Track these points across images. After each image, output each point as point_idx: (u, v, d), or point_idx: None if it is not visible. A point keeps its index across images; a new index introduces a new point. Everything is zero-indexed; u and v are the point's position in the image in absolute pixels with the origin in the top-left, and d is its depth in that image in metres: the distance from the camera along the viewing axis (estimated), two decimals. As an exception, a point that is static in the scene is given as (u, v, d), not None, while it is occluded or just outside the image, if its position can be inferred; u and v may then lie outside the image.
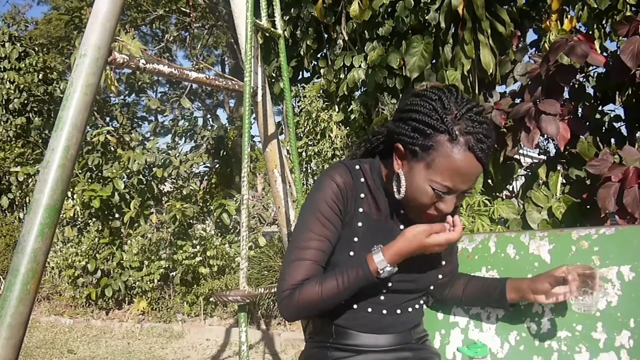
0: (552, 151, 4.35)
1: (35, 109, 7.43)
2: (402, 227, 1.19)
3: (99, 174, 5.62)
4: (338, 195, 1.15)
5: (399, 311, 1.23)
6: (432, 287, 1.30)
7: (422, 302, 1.30)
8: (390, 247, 1.11)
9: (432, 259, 1.25)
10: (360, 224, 1.17)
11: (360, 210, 1.17)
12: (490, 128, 1.06)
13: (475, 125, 1.04)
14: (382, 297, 1.20)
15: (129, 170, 5.45)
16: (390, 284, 1.20)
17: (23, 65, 7.40)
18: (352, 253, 1.15)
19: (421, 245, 1.09)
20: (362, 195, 1.17)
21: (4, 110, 7.21)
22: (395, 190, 1.13)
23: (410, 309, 1.25)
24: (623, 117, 3.56)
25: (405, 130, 1.08)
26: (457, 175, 1.03)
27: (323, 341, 1.24)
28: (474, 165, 1.03)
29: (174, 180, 5.95)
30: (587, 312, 1.15)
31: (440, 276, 1.29)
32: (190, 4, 7.16)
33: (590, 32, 3.71)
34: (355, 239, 1.15)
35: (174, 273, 5.16)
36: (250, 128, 1.96)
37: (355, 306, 1.20)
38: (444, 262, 1.30)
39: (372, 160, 1.23)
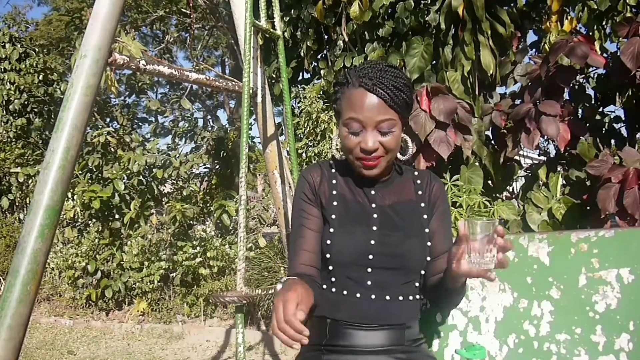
0: (552, 152, 4.35)
1: (36, 110, 7.43)
2: (373, 205, 1.30)
3: (99, 174, 5.62)
4: (308, 189, 1.34)
5: (388, 297, 1.24)
6: (422, 272, 1.29)
7: (417, 297, 1.30)
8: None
9: (414, 235, 1.28)
10: (335, 202, 1.32)
11: (334, 192, 1.34)
12: (387, 70, 1.22)
13: (368, 70, 1.23)
14: (369, 282, 1.24)
15: (129, 171, 5.45)
16: (371, 257, 1.24)
17: (23, 66, 7.40)
18: (332, 230, 1.28)
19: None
20: (334, 182, 1.35)
21: (5, 111, 7.21)
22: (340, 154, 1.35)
23: (401, 297, 1.25)
24: (623, 119, 3.56)
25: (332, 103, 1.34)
26: (355, 106, 1.22)
27: (317, 343, 1.27)
28: (366, 95, 1.21)
29: (174, 181, 5.94)
30: (484, 267, 1.03)
31: (428, 258, 1.29)
32: (191, 5, 7.15)
33: (591, 33, 3.71)
34: (333, 216, 1.30)
35: (174, 274, 5.16)
36: (249, 129, 1.97)
37: (345, 292, 1.25)
38: (429, 243, 1.30)
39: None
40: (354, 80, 1.24)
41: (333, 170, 1.37)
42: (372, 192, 1.32)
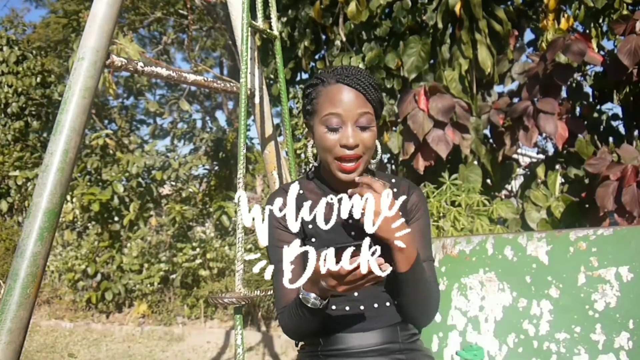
0: (551, 150, 4.35)
1: (34, 113, 7.42)
2: (350, 221, 1.22)
3: (98, 177, 5.61)
4: (277, 219, 1.24)
5: (376, 305, 1.24)
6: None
7: None
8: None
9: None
10: (310, 226, 1.25)
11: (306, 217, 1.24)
12: (360, 70, 1.24)
13: (343, 69, 1.23)
14: (355, 294, 1.22)
15: (128, 173, 5.45)
16: None
17: (21, 68, 7.39)
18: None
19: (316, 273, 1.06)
20: (305, 203, 1.19)
21: (2, 114, 7.20)
22: (312, 161, 1.31)
23: (388, 303, 1.25)
24: (621, 116, 3.57)
25: (303, 107, 1.30)
26: (334, 100, 1.20)
27: (313, 350, 1.27)
28: (345, 90, 1.20)
29: (173, 183, 5.94)
30: None
31: None
32: (188, 6, 7.15)
33: (587, 31, 3.71)
34: (313, 239, 1.25)
35: (173, 276, 5.15)
36: (247, 129, 1.96)
37: (334, 307, 1.23)
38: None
39: (317, 168, 1.35)
40: (330, 79, 1.23)
41: (301, 192, 1.31)
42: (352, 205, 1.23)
